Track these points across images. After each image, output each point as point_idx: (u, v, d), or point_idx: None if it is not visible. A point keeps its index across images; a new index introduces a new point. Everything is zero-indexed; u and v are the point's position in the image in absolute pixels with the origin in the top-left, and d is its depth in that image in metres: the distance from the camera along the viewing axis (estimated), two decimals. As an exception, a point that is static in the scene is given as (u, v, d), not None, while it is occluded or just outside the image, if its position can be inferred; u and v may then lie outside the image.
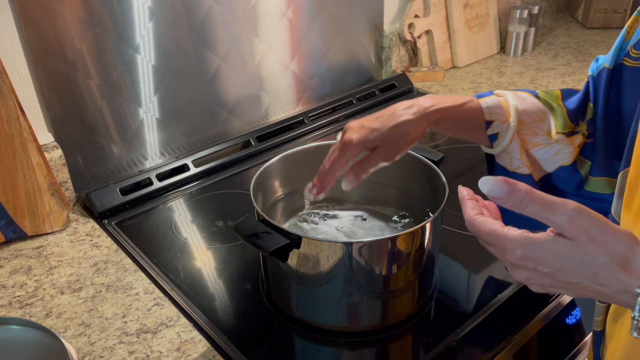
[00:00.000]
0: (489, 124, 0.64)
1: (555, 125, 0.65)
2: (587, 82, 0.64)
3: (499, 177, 0.41)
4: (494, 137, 0.65)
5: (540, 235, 0.43)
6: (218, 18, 1.03)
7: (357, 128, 0.65)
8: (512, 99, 0.65)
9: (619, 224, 0.50)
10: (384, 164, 0.65)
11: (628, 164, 0.49)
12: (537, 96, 0.66)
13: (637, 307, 0.40)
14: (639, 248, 0.40)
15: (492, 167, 0.68)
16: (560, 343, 0.79)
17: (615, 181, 0.54)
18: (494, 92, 0.67)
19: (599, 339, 0.56)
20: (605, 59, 0.61)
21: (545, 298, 0.74)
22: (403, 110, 0.64)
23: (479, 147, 0.69)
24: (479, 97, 0.66)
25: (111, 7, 0.89)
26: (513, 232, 0.43)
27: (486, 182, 0.42)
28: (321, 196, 0.66)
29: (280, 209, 0.79)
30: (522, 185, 0.41)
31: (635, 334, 0.41)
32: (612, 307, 0.52)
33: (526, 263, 0.43)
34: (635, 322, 0.41)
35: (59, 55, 0.86)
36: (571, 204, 0.40)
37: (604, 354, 0.55)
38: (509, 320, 0.70)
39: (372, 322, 0.69)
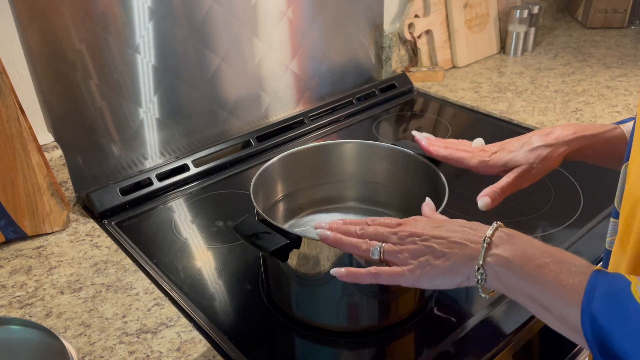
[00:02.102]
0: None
1: None
2: None
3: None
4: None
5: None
6: (218, 18, 1.03)
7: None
8: None
9: (619, 214, 0.51)
10: (514, 188, 0.66)
11: (628, 158, 0.49)
12: None
13: (480, 258, 0.49)
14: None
15: None
16: (561, 343, 0.79)
17: None
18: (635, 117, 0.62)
19: None
20: None
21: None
22: (541, 137, 0.65)
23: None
24: (620, 123, 0.64)
25: (111, 7, 0.89)
26: (406, 220, 0.56)
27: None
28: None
29: (280, 209, 0.79)
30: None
31: (483, 295, 0.50)
32: None
33: (413, 221, 0.55)
34: (481, 279, 0.49)
35: (59, 55, 0.87)
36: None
37: None
38: (509, 320, 0.70)
39: (372, 322, 0.69)
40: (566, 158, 0.65)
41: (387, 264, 0.55)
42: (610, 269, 0.51)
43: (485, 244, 0.49)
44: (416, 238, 0.53)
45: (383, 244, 0.55)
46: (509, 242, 0.49)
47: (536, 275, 0.46)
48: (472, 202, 0.66)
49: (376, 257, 0.54)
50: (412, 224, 0.55)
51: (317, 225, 0.58)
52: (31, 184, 0.85)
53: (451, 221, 0.55)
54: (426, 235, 0.53)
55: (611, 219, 0.52)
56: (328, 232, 0.57)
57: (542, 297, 0.45)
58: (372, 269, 0.54)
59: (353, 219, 0.60)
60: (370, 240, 0.56)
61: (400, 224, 0.56)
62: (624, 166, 0.51)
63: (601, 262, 0.55)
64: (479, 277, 0.49)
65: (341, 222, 0.59)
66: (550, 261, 0.46)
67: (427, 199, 0.63)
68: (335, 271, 0.56)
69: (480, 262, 0.49)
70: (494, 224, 0.50)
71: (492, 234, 0.49)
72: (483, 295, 0.50)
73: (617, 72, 1.44)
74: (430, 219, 0.56)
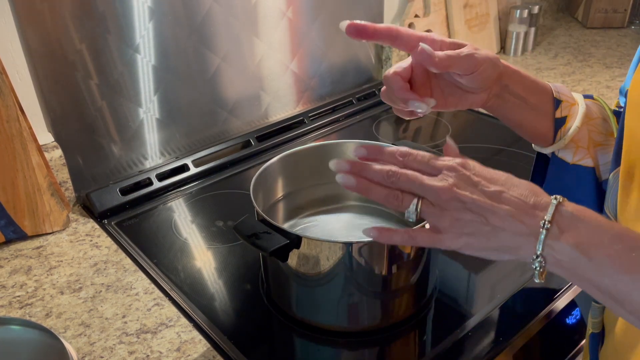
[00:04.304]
0: (557, 103, 0.57)
1: (615, 127, 0.58)
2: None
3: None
4: (561, 122, 0.57)
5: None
6: (218, 18, 1.02)
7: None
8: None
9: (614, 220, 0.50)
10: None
11: (617, 164, 0.49)
12: (591, 97, 0.61)
13: (539, 246, 0.42)
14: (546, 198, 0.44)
15: (543, 167, 0.62)
16: (560, 343, 0.79)
17: None
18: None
19: (597, 340, 0.56)
20: None
21: (546, 298, 0.74)
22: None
23: (479, 148, 0.67)
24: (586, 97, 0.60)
25: (111, 7, 0.89)
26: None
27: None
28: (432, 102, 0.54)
29: (280, 209, 0.79)
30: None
31: (537, 280, 0.44)
32: None
33: (462, 169, 0.46)
34: (538, 264, 0.43)
35: (59, 55, 0.86)
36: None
37: (601, 353, 0.55)
38: (509, 320, 0.70)
39: (372, 322, 0.69)
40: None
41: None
42: None
43: (544, 230, 0.42)
44: (462, 204, 0.45)
45: (420, 204, 0.46)
46: (573, 227, 0.42)
47: (605, 266, 0.40)
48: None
49: (412, 219, 0.47)
50: (459, 178, 0.45)
51: (336, 167, 0.48)
52: (31, 184, 0.84)
53: (507, 183, 0.45)
54: (476, 202, 0.44)
55: None
56: (352, 180, 0.48)
57: (613, 290, 0.41)
58: (410, 231, 0.48)
59: (380, 149, 0.49)
60: (403, 192, 0.47)
61: (441, 170, 0.46)
62: (612, 173, 0.50)
63: None
64: (536, 265, 0.43)
65: (365, 158, 0.49)
66: (622, 248, 0.40)
67: (448, 140, 0.50)
68: (367, 231, 0.49)
69: (539, 251, 0.42)
70: (554, 200, 0.43)
71: (553, 216, 0.42)
72: (538, 281, 0.44)
73: (617, 72, 1.44)
74: (481, 176, 0.46)
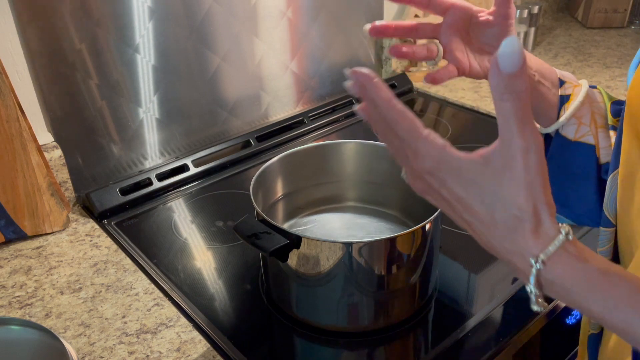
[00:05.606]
0: (561, 83, 0.58)
1: (609, 117, 0.58)
2: None
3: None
4: (565, 99, 0.58)
5: (462, 156, 0.37)
6: (218, 18, 1.02)
7: None
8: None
9: (611, 223, 0.50)
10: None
11: (617, 166, 0.49)
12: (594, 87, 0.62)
13: (532, 279, 0.36)
14: (552, 218, 0.36)
15: (547, 146, 0.60)
16: (561, 343, 0.79)
17: None
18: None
19: (596, 341, 0.56)
20: None
21: (546, 298, 0.73)
22: None
23: (479, 148, 0.67)
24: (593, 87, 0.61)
25: (111, 7, 0.89)
26: (434, 137, 0.37)
27: (508, 45, 0.33)
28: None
29: (280, 209, 0.79)
30: (523, 81, 0.34)
31: (536, 308, 0.38)
32: None
33: (431, 180, 0.38)
34: (534, 296, 0.37)
35: (58, 55, 0.86)
36: (541, 137, 0.36)
37: (600, 353, 0.55)
38: (509, 320, 0.70)
39: (372, 322, 0.69)
40: None
41: None
42: None
43: (534, 270, 0.36)
44: (439, 190, 0.39)
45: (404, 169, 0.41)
46: (570, 263, 0.36)
47: (607, 299, 0.35)
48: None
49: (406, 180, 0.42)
50: (433, 191, 0.39)
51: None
52: (31, 184, 0.84)
53: (484, 188, 0.36)
54: (455, 197, 0.38)
55: (601, 228, 0.51)
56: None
57: (616, 321, 0.35)
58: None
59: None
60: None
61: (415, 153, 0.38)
62: (611, 175, 0.50)
63: None
64: (531, 292, 0.37)
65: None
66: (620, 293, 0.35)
67: None
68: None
69: (531, 286, 0.37)
70: (536, 265, 0.36)
71: (546, 257, 0.36)
72: (536, 309, 0.38)
73: (617, 72, 1.44)
74: (459, 173, 0.38)
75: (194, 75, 1.03)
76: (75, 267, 0.81)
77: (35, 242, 0.86)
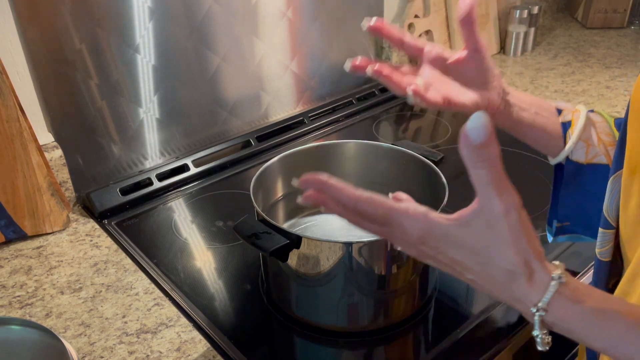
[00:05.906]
0: (559, 111, 0.60)
1: (615, 134, 0.60)
2: None
3: (485, 123, 0.35)
4: (567, 125, 0.59)
5: (446, 221, 0.39)
6: (218, 18, 1.03)
7: None
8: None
9: (611, 225, 0.50)
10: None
11: (618, 168, 0.49)
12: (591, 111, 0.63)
13: (536, 326, 0.39)
14: (543, 263, 0.38)
15: (560, 175, 0.62)
16: (561, 343, 0.79)
17: None
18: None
19: None
20: None
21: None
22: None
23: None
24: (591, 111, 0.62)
25: (111, 7, 0.89)
26: (414, 208, 0.39)
27: (475, 120, 0.35)
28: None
29: (280, 209, 0.79)
30: (495, 148, 0.35)
31: (540, 348, 0.41)
32: None
33: (424, 248, 0.40)
34: (539, 339, 0.40)
35: (59, 55, 0.86)
36: (517, 197, 0.37)
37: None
38: (509, 320, 0.70)
39: (372, 322, 0.69)
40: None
41: None
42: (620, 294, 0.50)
43: (537, 318, 0.39)
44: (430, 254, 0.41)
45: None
46: (567, 307, 0.38)
47: (606, 336, 0.38)
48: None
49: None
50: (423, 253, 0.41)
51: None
52: (31, 184, 0.84)
53: (474, 248, 0.39)
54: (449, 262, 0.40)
55: (600, 229, 0.52)
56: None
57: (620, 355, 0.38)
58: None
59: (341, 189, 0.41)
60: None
61: (394, 236, 0.41)
62: (612, 178, 0.50)
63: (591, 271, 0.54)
64: (537, 336, 0.40)
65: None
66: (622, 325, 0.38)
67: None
68: None
69: (537, 331, 0.39)
70: (536, 312, 0.39)
71: (545, 305, 0.38)
72: (541, 349, 0.41)
73: (617, 72, 1.44)
74: (447, 240, 0.39)
75: (194, 75, 1.03)
76: (76, 267, 0.81)
77: (36, 242, 0.86)
